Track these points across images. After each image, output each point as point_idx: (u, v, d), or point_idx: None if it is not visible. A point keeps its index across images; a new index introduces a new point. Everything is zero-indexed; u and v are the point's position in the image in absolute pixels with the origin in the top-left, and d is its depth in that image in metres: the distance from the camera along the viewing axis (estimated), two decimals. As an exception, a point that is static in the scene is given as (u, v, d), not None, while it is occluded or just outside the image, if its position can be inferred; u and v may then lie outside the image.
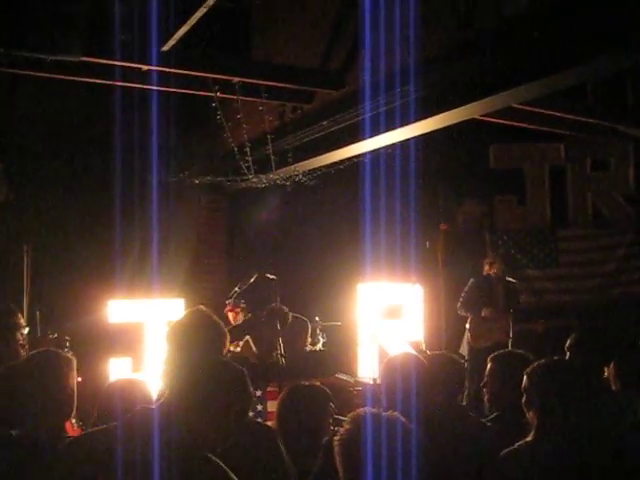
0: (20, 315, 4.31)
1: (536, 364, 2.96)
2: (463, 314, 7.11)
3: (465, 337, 7.22)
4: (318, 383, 3.76)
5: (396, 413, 2.33)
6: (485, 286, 7.08)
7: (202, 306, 2.58)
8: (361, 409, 2.34)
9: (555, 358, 3.10)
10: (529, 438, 2.82)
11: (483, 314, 6.96)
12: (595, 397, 3.44)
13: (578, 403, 2.83)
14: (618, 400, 3.70)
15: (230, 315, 7.22)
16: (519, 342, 6.11)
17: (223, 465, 1.92)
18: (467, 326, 7.06)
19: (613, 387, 3.88)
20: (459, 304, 7.12)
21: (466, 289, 7.12)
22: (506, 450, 2.76)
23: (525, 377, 2.93)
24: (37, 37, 4.98)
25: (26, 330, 4.30)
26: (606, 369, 3.95)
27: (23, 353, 3.81)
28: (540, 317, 7.13)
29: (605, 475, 2.72)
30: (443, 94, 5.28)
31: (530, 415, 2.88)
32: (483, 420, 3.48)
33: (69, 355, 2.83)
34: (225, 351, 2.52)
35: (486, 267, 7.24)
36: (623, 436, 3.09)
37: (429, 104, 5.32)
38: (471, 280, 7.17)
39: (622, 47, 4.29)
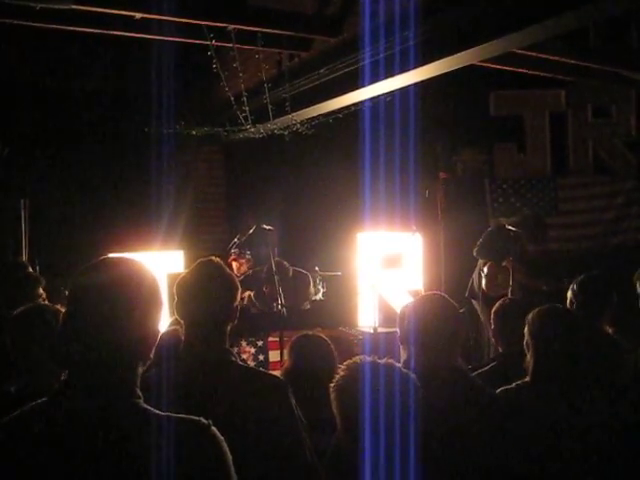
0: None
1: (537, 309, 2.99)
2: (481, 258, 6.74)
3: (473, 283, 6.88)
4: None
5: (392, 360, 2.31)
6: (504, 236, 6.64)
7: (213, 257, 2.50)
8: (358, 357, 2.33)
9: (555, 305, 3.11)
10: (527, 379, 2.86)
11: (504, 263, 6.57)
12: (595, 343, 3.46)
13: (576, 348, 2.85)
14: (618, 347, 3.73)
15: (234, 265, 7.24)
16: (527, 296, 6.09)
17: None
18: (484, 272, 6.64)
19: (611, 334, 3.91)
20: (477, 247, 6.72)
21: (485, 235, 6.76)
22: (503, 388, 2.82)
23: (526, 321, 2.96)
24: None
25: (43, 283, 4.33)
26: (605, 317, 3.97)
27: None
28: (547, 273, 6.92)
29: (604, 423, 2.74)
30: (443, 40, 5.17)
31: (528, 357, 2.91)
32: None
33: (62, 308, 2.80)
34: (236, 304, 2.45)
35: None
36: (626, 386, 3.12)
37: (429, 50, 5.22)
38: (490, 228, 6.91)
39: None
